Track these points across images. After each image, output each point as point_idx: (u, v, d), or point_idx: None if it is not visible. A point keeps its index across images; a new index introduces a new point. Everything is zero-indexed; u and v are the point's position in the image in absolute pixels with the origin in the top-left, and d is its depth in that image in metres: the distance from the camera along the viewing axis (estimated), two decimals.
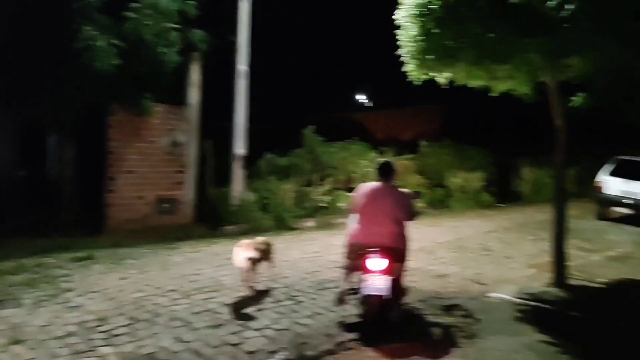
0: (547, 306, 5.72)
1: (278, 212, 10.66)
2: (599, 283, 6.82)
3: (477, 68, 6.06)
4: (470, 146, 16.34)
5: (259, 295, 5.88)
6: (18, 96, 9.61)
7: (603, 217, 12.75)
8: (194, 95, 10.90)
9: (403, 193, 5.13)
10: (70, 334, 4.66)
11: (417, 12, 5.78)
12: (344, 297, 5.26)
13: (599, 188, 12.58)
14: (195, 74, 10.87)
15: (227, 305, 5.56)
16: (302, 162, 12.62)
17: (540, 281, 6.72)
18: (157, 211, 10.48)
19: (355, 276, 5.07)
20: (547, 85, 6.32)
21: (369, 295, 4.73)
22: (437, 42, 5.76)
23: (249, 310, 5.42)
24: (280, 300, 5.80)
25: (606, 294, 6.53)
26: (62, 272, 6.64)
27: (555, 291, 6.24)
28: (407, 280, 6.38)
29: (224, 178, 11.05)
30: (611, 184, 12.32)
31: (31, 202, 11.84)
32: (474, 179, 14.90)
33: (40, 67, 8.95)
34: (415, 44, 6.03)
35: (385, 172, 5.19)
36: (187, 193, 10.91)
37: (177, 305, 5.53)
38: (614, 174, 12.46)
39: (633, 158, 12.31)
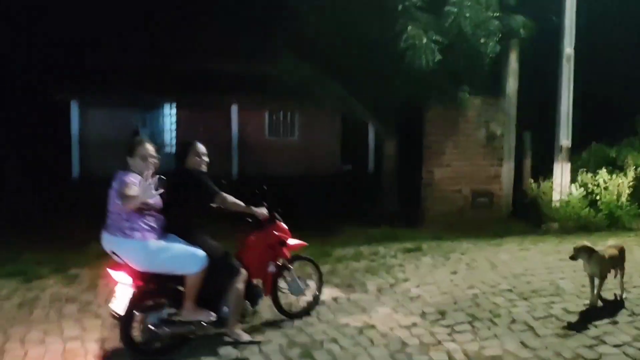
0: None
1: (610, 209, 9.45)
2: None
3: None
4: None
5: (609, 306, 5.21)
6: (347, 94, 10.61)
7: None
8: (511, 84, 10.41)
9: None
10: (414, 325, 4.81)
11: None
12: None
13: None
14: (513, 62, 10.37)
15: (572, 313, 5.06)
16: (636, 152, 10.95)
17: None
18: (472, 205, 10.37)
19: None
20: None
21: None
22: None
23: (601, 322, 4.82)
24: (636, 314, 5.03)
25: None
26: (396, 262, 7.03)
27: None
28: None
29: (543, 171, 10.29)
30: None
31: (356, 193, 13.03)
32: None
33: (367, 68, 9.70)
34: None
35: None
36: (504, 187, 10.51)
37: (515, 307, 5.25)
38: None
39: None
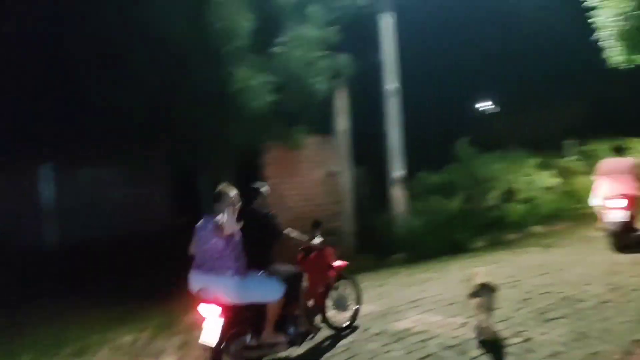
0: None
1: (448, 234, 9.92)
2: None
3: None
4: None
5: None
6: (176, 142, 9.85)
7: None
8: (342, 122, 10.60)
9: None
10: None
11: None
12: None
13: None
14: (342, 100, 10.56)
15: (451, 348, 4.91)
16: (457, 178, 11.81)
17: None
18: None
19: None
20: None
21: None
22: None
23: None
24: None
25: None
26: None
27: None
28: None
29: (383, 203, 10.54)
30: None
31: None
32: None
33: (198, 112, 9.11)
34: (626, 22, 5.14)
35: None
36: (346, 223, 10.53)
37: (390, 352, 4.98)
38: None
39: None
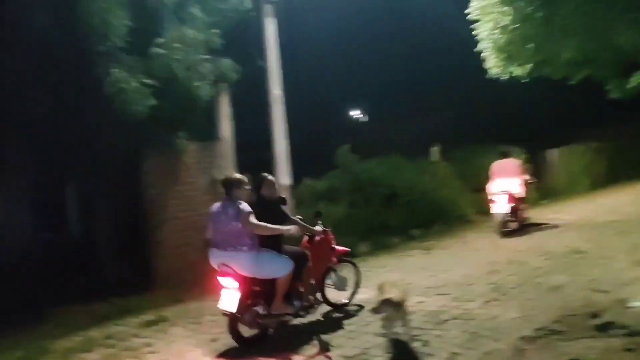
0: None
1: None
2: None
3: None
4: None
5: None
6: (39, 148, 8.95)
7: None
8: (226, 128, 10.22)
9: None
10: None
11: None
12: None
13: None
14: (225, 106, 10.20)
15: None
16: (341, 184, 11.95)
17: None
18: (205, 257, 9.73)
19: None
20: None
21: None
22: (535, 29, 5.16)
23: None
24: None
25: None
26: (141, 342, 5.88)
27: None
28: (531, 298, 5.78)
29: None
30: None
31: (63, 265, 11.04)
32: None
33: (67, 115, 8.32)
34: (503, 35, 5.45)
35: None
36: None
37: None
38: None
39: None
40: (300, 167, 11.82)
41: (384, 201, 11.94)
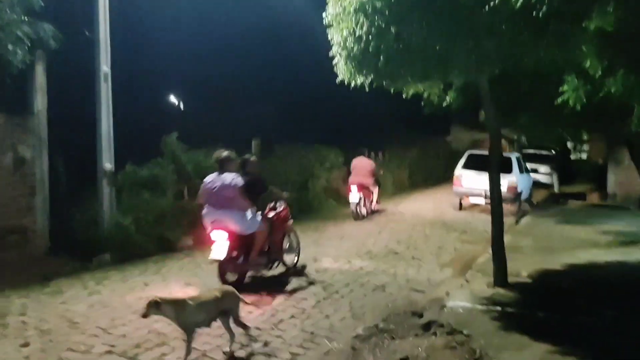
0: (513, 310, 5.76)
1: (159, 232, 9.44)
2: (529, 277, 7.11)
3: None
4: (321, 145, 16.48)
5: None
6: None
7: (460, 207, 13.82)
8: (40, 102, 9.04)
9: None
10: None
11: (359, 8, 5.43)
12: None
13: (458, 181, 13.59)
14: (41, 76, 9.02)
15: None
16: (166, 173, 11.35)
17: (475, 282, 6.84)
18: (3, 246, 8.50)
19: None
20: (481, 88, 6.42)
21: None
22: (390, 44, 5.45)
23: None
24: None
25: (547, 287, 6.74)
26: None
27: (503, 292, 6.34)
28: (359, 297, 6.09)
29: (86, 197, 9.42)
30: (466, 177, 13.38)
31: None
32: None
33: None
34: (356, 44, 5.66)
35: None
36: (39, 220, 9.07)
37: None
38: (466, 167, 13.55)
39: (481, 152, 13.51)
40: (123, 151, 11.01)
41: None
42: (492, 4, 4.97)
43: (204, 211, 6.78)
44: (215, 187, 6.66)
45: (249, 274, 7.07)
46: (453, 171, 14.41)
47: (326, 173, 15.72)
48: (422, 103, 8.11)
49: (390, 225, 11.68)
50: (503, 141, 34.06)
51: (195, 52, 16.68)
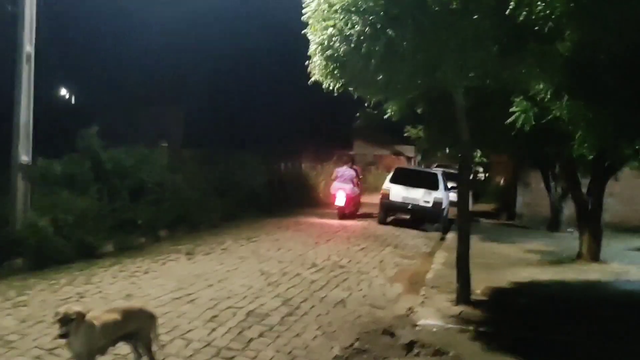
0: (488, 329, 5.66)
1: (78, 236, 8.42)
2: (483, 295, 7.10)
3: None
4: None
5: None
6: None
7: (384, 221, 13.87)
8: None
9: None
10: None
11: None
12: None
13: (386, 195, 13.64)
14: None
15: None
16: (84, 171, 10.28)
17: (435, 299, 6.72)
18: None
19: None
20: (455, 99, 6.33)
21: None
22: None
23: None
24: None
25: (508, 305, 6.80)
26: None
27: (469, 310, 6.25)
28: (322, 314, 5.78)
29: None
30: (394, 191, 13.47)
31: None
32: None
33: None
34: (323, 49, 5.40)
35: None
36: None
37: None
38: (394, 181, 13.65)
39: (408, 167, 13.76)
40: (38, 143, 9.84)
41: (131, 196, 10.69)
42: (476, 16, 4.94)
43: (335, 183, 14.55)
44: (342, 173, 14.55)
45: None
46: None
47: (248, 179, 15.26)
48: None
49: (324, 237, 11.39)
50: (402, 157, 35.37)
51: (114, 50, 15.68)
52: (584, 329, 5.77)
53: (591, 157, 6.58)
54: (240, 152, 16.98)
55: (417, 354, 4.95)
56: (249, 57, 21.57)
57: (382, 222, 13.96)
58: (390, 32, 5.04)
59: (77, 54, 15.91)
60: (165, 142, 14.80)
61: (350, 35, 5.28)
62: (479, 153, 19.69)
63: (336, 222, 13.88)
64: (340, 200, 14.29)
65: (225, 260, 8.51)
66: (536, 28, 4.79)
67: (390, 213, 14.05)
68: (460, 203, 6.71)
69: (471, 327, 5.67)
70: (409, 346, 5.10)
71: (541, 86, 5.76)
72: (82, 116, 18.25)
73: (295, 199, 17.24)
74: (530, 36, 5.21)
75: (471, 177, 22.73)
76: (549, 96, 5.79)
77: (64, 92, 23.32)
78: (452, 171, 22.05)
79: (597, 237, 9.58)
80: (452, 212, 17.71)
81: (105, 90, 19.59)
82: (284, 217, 14.00)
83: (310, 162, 22.18)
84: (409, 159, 37.48)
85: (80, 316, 3.45)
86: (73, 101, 23.67)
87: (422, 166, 21.81)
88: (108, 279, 6.99)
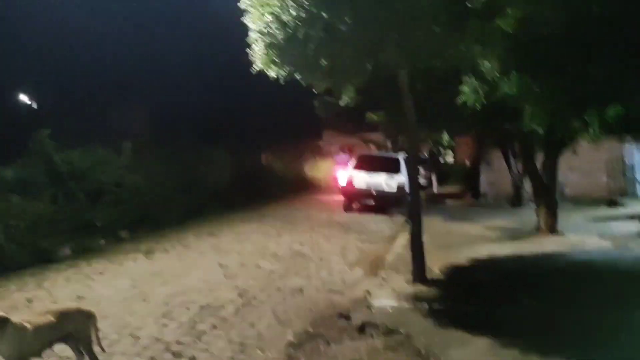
0: (441, 306, 5.70)
1: (33, 241, 8.25)
2: (441, 272, 7.15)
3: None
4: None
5: None
6: None
7: (348, 208, 13.90)
8: None
9: None
10: None
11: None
12: None
13: (349, 182, 13.65)
14: None
15: None
16: (35, 175, 10.08)
17: (393, 280, 6.76)
18: None
19: None
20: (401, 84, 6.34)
21: None
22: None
23: None
24: None
25: (462, 281, 6.87)
26: None
27: (424, 288, 6.30)
28: (279, 302, 5.77)
29: None
30: (357, 178, 13.49)
31: None
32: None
33: None
34: (281, 32, 5.34)
35: None
36: None
37: None
38: (357, 168, 13.68)
39: (370, 153, 13.76)
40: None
41: (89, 198, 10.51)
42: None
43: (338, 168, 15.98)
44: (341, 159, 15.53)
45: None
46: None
47: (213, 174, 15.13)
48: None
49: (287, 227, 11.37)
50: (371, 145, 35.67)
51: (74, 51, 15.33)
52: (536, 299, 5.86)
53: (542, 131, 6.65)
54: (206, 148, 16.81)
55: (370, 335, 4.96)
56: (213, 51, 21.34)
57: (347, 209, 13.99)
58: (325, 15, 5.03)
59: (34, 57, 15.55)
60: (130, 141, 14.56)
61: (287, 21, 5.25)
62: (446, 136, 20.02)
63: (301, 212, 13.87)
64: (342, 181, 14.79)
65: (185, 257, 8.44)
66: (475, 5, 4.84)
67: (355, 199, 14.06)
68: (411, 185, 6.74)
69: (425, 305, 5.71)
70: (362, 328, 5.12)
71: (489, 64, 5.78)
72: (41, 120, 17.91)
73: (262, 192, 17.17)
74: (470, 13, 5.28)
75: (433, 160, 23.11)
76: (497, 74, 5.83)
77: (22, 97, 22.85)
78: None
79: (553, 210, 9.73)
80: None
81: (67, 93, 19.19)
82: (249, 211, 13.94)
83: (280, 154, 22.15)
84: (379, 147, 37.79)
85: (4, 321, 3.39)
86: (35, 106, 23.17)
87: (390, 152, 21.94)
88: (60, 282, 6.87)
